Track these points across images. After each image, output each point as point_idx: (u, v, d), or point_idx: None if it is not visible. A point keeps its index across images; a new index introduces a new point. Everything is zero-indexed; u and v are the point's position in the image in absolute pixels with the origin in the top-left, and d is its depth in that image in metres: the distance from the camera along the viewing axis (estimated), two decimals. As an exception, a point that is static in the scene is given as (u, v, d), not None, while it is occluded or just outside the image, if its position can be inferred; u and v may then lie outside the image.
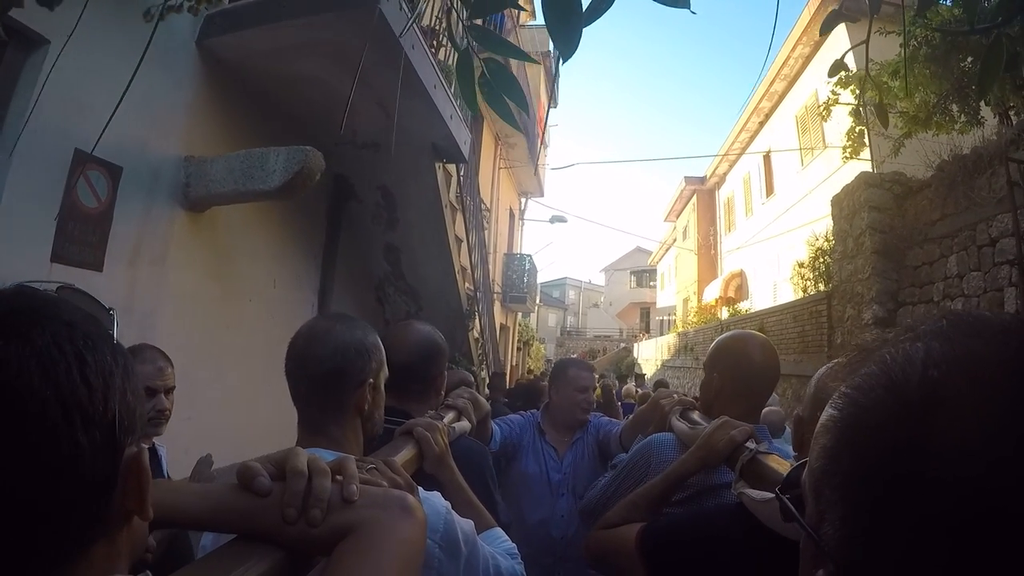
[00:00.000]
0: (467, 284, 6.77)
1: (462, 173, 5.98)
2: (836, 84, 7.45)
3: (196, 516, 0.72)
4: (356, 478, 0.75)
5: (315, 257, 5.66)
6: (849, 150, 7.44)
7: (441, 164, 5.41)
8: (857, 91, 6.99)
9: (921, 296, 6.21)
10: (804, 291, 9.51)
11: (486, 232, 12.80)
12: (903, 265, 6.58)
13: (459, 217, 6.28)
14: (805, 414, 1.17)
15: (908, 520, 0.37)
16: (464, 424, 1.69)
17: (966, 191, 5.96)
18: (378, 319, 6.70)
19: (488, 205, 12.70)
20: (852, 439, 0.42)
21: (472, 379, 5.68)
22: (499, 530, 1.41)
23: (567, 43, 1.12)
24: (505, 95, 1.31)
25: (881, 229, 6.76)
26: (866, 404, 0.41)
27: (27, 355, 0.45)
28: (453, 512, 1.13)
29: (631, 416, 2.81)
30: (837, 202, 7.62)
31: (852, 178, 7.70)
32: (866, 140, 7.36)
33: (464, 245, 6.45)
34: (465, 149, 5.41)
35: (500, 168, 14.07)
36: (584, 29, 1.13)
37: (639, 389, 9.98)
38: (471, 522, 1.18)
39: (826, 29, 1.83)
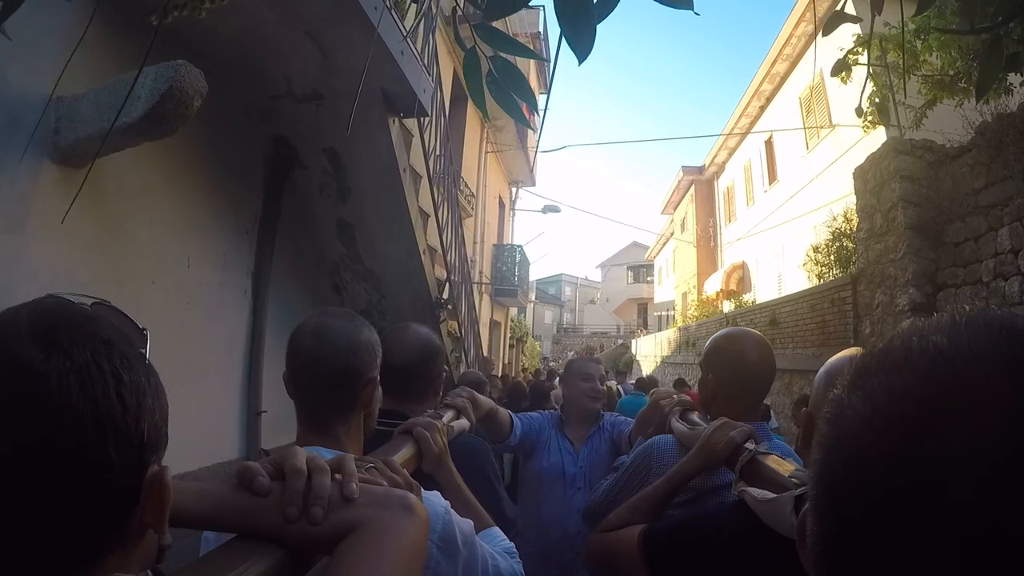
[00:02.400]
0: (438, 268, 5.86)
1: (426, 132, 5.05)
2: (855, 43, 6.66)
3: (197, 515, 0.71)
4: (355, 476, 0.74)
5: (248, 232, 4.73)
6: (871, 118, 6.56)
7: (396, 119, 4.50)
8: (878, 53, 6.25)
9: (966, 277, 5.31)
10: (819, 278, 8.60)
11: (472, 219, 11.90)
12: (942, 242, 5.69)
13: (424, 186, 5.36)
14: (816, 411, 1.03)
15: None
16: (463, 423, 1.70)
17: (1017, 153, 5.08)
18: (336, 310, 5.81)
19: (473, 190, 11.80)
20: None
21: (485, 380, 5.11)
22: (497, 529, 1.40)
23: (582, 44, 1.09)
24: (514, 93, 1.29)
25: (915, 201, 5.87)
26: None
27: (67, 370, 0.48)
28: (452, 512, 1.12)
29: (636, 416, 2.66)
30: (861, 174, 6.70)
31: (865, 155, 6.85)
32: (891, 103, 6.47)
33: (433, 221, 5.53)
34: (427, 99, 4.50)
35: (487, 152, 13.16)
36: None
37: (619, 388, 8.97)
38: (470, 522, 1.18)
39: (828, 30, 1.81)
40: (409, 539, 0.71)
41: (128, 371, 0.52)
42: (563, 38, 1.11)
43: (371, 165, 4.63)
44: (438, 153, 5.49)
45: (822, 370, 1.17)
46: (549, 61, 1.44)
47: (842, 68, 2.21)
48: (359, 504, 0.71)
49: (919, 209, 5.84)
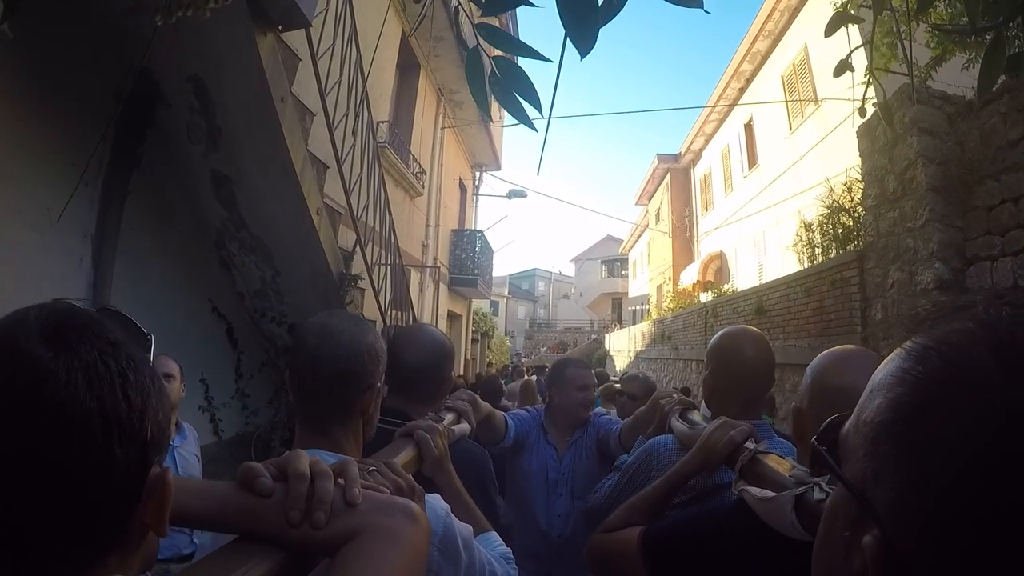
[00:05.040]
0: (348, 233, 4.67)
1: (318, 56, 3.86)
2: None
3: (199, 515, 0.71)
4: (358, 481, 0.75)
5: (87, 185, 3.55)
6: (882, 62, 5.54)
7: (270, 33, 3.33)
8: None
9: (1005, 246, 4.27)
10: (811, 261, 7.55)
11: (424, 199, 10.73)
12: (971, 206, 4.65)
13: (321, 128, 4.18)
14: (804, 405, 1.14)
15: (996, 507, 0.33)
16: (464, 426, 1.69)
17: (1066, 95, 4.08)
18: (227, 291, 4.63)
19: (425, 167, 10.61)
20: (940, 397, 0.37)
21: (503, 385, 5.52)
22: (495, 534, 1.40)
23: (584, 41, 1.08)
24: (517, 93, 1.25)
25: (936, 159, 4.83)
26: (963, 363, 0.37)
27: (74, 368, 0.49)
28: (452, 516, 1.13)
29: (633, 415, 2.55)
30: (867, 131, 5.62)
31: (856, 132, 5.86)
32: (899, 47, 5.45)
33: (336, 174, 4.31)
34: (308, 5, 3.34)
35: (444, 128, 11.98)
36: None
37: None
38: (470, 527, 1.19)
39: (830, 32, 1.83)
40: (411, 546, 0.70)
41: (134, 371, 0.52)
42: (567, 34, 1.09)
43: (241, 95, 3.46)
44: (350, 89, 4.27)
45: (811, 368, 1.16)
46: (550, 61, 1.21)
47: (844, 68, 2.03)
48: (361, 510, 0.71)
49: (942, 167, 4.80)
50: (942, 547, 0.34)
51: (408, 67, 10.25)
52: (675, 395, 1.99)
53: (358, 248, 4.44)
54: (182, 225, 4.25)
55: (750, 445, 1.24)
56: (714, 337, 1.74)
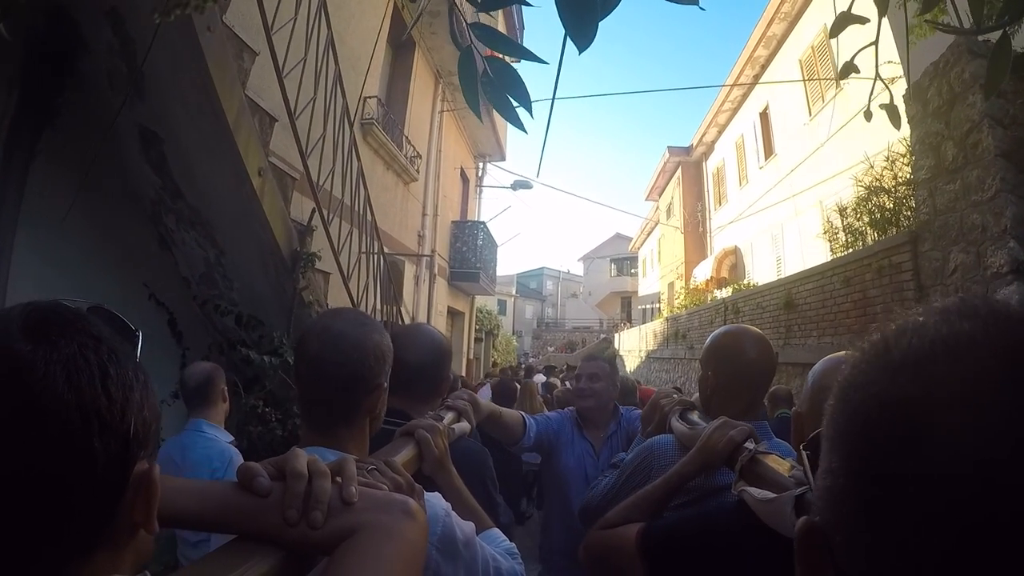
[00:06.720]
0: (304, 202, 3.96)
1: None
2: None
3: (197, 516, 0.70)
4: (355, 479, 0.74)
5: (-23, 145, 2.91)
6: (929, 15, 4.79)
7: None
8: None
9: (1097, 221, 3.54)
10: (843, 249, 6.76)
11: (419, 185, 10.05)
12: (1047, 175, 3.91)
13: (267, 72, 3.47)
14: (804, 409, 1.17)
15: (868, 477, 0.38)
16: (464, 425, 1.67)
17: None
18: (168, 276, 3.95)
19: (420, 151, 9.92)
20: (845, 396, 0.43)
21: (517, 387, 5.31)
22: (497, 531, 1.40)
23: (583, 36, 1.06)
24: (510, 95, 1.25)
25: (1004, 120, 4.09)
26: (860, 364, 0.43)
27: (53, 360, 0.48)
28: (452, 514, 1.12)
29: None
30: (918, 93, 4.83)
31: (904, 97, 5.09)
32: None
33: (288, 129, 3.58)
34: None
35: (442, 112, 11.28)
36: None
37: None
38: (471, 524, 1.18)
39: (835, 31, 1.81)
40: (408, 543, 0.70)
41: (115, 365, 0.51)
42: (564, 28, 1.06)
43: (163, 30, 2.79)
44: (308, 32, 3.57)
45: (811, 372, 1.18)
46: (547, 63, 1.15)
47: (850, 71, 1.85)
48: (359, 508, 0.70)
49: (1010, 131, 4.07)
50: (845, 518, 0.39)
51: (403, 46, 9.58)
52: (675, 395, 1.96)
53: (319, 223, 3.73)
54: (110, 195, 3.57)
55: (750, 445, 1.23)
56: (711, 337, 1.71)
